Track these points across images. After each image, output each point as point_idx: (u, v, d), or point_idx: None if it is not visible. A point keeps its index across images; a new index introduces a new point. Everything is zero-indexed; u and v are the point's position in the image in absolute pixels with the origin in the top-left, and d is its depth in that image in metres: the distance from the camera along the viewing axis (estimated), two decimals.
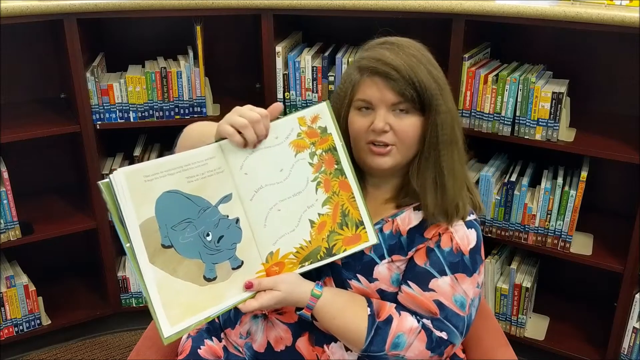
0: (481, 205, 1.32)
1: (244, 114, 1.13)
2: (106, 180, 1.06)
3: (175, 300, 1.09)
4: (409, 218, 1.26)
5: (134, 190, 1.07)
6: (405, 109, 1.20)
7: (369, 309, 1.21)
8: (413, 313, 1.22)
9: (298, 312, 1.22)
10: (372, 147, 1.23)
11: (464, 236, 1.25)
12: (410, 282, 1.23)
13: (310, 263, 1.20)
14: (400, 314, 1.21)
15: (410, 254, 1.25)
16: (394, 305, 1.23)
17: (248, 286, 1.15)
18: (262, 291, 1.16)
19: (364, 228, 1.22)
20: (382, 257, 1.25)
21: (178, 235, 1.11)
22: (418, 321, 1.21)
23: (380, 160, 1.23)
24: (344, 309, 1.21)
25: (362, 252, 1.24)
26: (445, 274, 1.22)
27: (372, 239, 1.22)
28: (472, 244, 1.25)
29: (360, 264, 1.25)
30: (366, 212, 1.23)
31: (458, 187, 1.25)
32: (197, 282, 1.12)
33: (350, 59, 2.15)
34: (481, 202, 1.33)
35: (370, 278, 1.24)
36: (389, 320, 1.20)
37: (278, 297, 1.15)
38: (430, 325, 1.21)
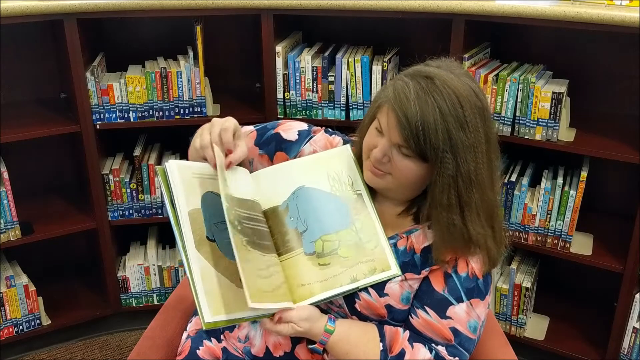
0: (497, 261, 1.27)
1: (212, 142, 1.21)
2: (161, 166, 1.16)
3: (215, 291, 1.11)
4: (424, 236, 1.26)
5: (184, 180, 1.16)
6: (407, 154, 1.16)
7: (381, 344, 1.21)
8: (427, 339, 1.23)
9: (310, 347, 1.23)
10: (371, 165, 1.22)
11: (477, 259, 1.24)
12: (427, 308, 1.23)
13: (333, 289, 1.21)
14: (412, 346, 1.21)
15: (424, 272, 1.24)
16: (407, 334, 1.23)
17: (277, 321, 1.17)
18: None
19: (386, 259, 1.23)
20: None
21: (219, 233, 1.16)
22: (431, 350, 1.21)
23: (373, 178, 1.23)
24: (357, 344, 1.21)
25: None
26: (462, 301, 1.22)
27: (394, 269, 1.23)
28: (485, 265, 1.25)
29: None
30: (388, 244, 1.25)
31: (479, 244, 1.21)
32: (234, 282, 1.14)
33: (350, 59, 2.15)
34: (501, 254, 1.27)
35: (381, 292, 1.23)
36: (401, 354, 1.20)
37: (298, 331, 1.18)
38: (445, 352, 1.22)
